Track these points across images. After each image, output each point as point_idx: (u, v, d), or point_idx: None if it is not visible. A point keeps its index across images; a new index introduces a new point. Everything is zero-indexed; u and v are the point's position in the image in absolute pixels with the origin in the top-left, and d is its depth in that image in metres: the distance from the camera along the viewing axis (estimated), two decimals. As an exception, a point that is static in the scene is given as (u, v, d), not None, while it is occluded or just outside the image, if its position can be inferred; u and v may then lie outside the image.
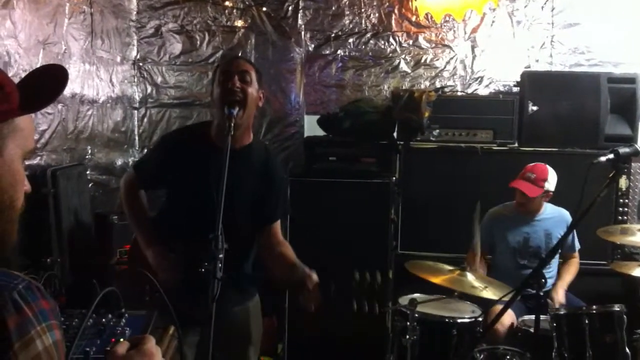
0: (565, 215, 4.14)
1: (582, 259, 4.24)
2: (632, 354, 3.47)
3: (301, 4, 5.36)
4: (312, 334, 4.15)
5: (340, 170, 4.51)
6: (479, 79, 5.27)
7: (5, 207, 1.14)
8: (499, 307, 3.08)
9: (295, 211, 3.75)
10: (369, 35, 5.35)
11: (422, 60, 5.32)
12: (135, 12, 5.37)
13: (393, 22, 5.32)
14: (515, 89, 4.86)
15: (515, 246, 4.16)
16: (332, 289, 2.58)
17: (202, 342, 2.65)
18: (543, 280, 2.99)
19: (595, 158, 2.92)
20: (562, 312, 3.51)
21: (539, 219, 4.17)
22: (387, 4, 5.31)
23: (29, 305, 1.04)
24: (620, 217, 4.40)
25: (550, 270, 4.08)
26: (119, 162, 5.16)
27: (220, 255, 2.15)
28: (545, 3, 5.15)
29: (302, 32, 5.40)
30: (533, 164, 4.11)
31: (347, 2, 5.34)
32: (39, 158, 3.91)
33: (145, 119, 5.47)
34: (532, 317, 3.31)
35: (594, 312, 3.48)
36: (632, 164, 4.48)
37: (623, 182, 4.40)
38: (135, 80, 5.42)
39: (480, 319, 3.56)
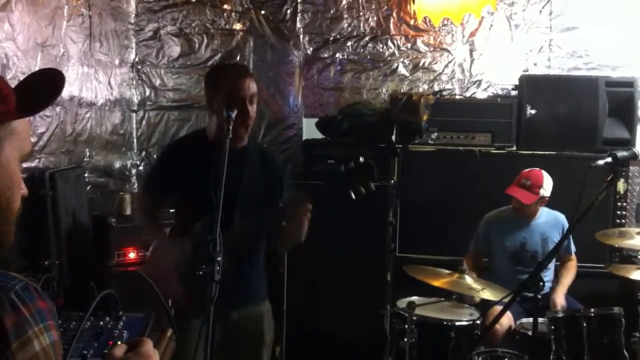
0: (561, 218, 4.15)
1: (580, 262, 4.24)
2: (630, 356, 3.48)
3: (300, 7, 5.37)
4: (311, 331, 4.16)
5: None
6: (477, 83, 5.27)
7: (2, 209, 1.14)
8: (497, 309, 3.09)
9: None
10: (367, 38, 5.35)
11: (421, 64, 5.33)
12: (133, 15, 5.37)
13: (391, 25, 5.33)
14: (514, 93, 4.86)
15: (512, 250, 4.16)
16: (328, 179, 2.59)
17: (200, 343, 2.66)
18: (541, 283, 3.00)
19: (593, 161, 2.93)
20: (560, 315, 3.52)
21: (535, 223, 4.17)
22: (386, 7, 5.32)
23: (27, 305, 1.05)
24: (618, 221, 4.40)
25: (547, 274, 4.08)
26: (117, 164, 5.16)
27: (219, 258, 2.15)
28: (543, 7, 5.16)
29: (301, 35, 5.40)
30: (529, 169, 4.10)
31: (345, 6, 5.35)
32: (37, 160, 3.91)
33: (144, 122, 5.47)
34: (530, 319, 3.31)
35: (592, 314, 3.49)
36: (630, 167, 4.47)
37: (621, 186, 4.40)
38: (134, 83, 5.42)
39: (478, 321, 3.56)
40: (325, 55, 5.41)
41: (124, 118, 5.28)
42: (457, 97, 5.17)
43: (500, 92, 5.21)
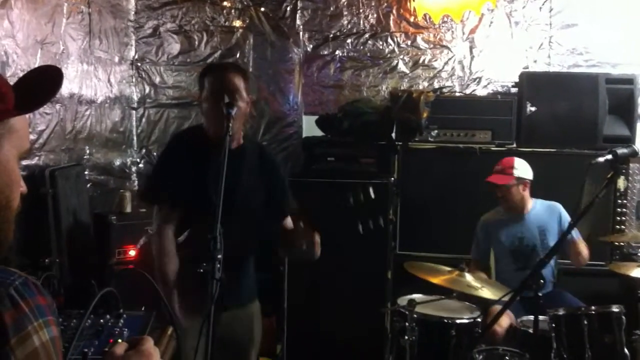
0: (557, 207, 4.12)
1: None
2: (631, 354, 3.48)
3: (299, 4, 5.36)
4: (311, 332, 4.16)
5: (339, 171, 4.51)
6: (477, 80, 5.27)
7: (1, 207, 1.14)
8: (498, 307, 3.09)
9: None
10: (367, 35, 5.35)
11: (421, 61, 5.32)
12: (133, 12, 5.37)
13: (391, 22, 5.32)
14: (514, 90, 4.86)
15: (510, 248, 4.15)
16: (350, 200, 2.60)
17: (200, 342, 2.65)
18: (542, 281, 2.99)
19: (593, 159, 2.92)
20: (561, 313, 3.51)
21: (529, 216, 4.15)
22: (386, 4, 5.31)
23: (26, 300, 1.05)
24: (618, 218, 4.40)
25: (548, 270, 4.07)
26: (117, 162, 5.16)
27: (219, 256, 2.14)
28: (543, 4, 5.16)
29: (301, 33, 5.40)
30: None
31: (345, 3, 5.34)
32: (37, 158, 3.91)
33: (144, 119, 5.47)
34: (531, 317, 3.31)
35: (593, 312, 3.48)
36: (630, 164, 4.47)
37: (621, 183, 4.39)
38: (134, 80, 5.42)
39: (479, 319, 3.56)
40: (325, 52, 5.40)
41: (124, 115, 5.28)
42: (457, 94, 5.16)
43: (500, 90, 5.21)
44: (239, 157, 2.72)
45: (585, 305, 3.70)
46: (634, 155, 3.06)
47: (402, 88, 5.19)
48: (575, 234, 4.14)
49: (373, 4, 5.33)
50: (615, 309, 3.51)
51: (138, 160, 5.43)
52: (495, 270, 4.28)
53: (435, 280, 3.41)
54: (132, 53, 5.39)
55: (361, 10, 5.34)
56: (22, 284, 1.07)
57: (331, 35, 5.38)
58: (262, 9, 5.39)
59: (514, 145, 4.58)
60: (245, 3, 5.40)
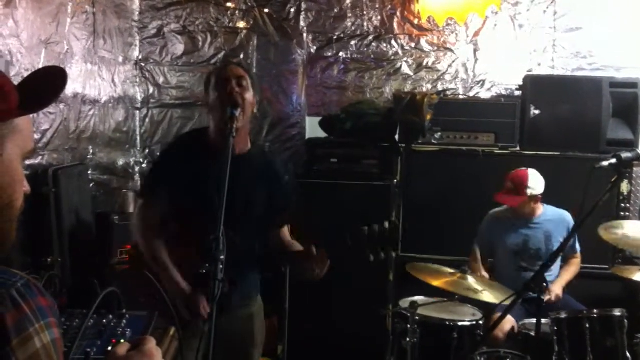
0: (566, 217, 4.13)
1: (583, 263, 4.23)
2: (633, 358, 3.47)
3: (303, 5, 5.37)
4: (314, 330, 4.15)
5: (342, 172, 4.51)
6: (481, 82, 5.26)
7: (4, 206, 1.14)
8: (500, 310, 3.09)
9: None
10: (371, 37, 5.35)
11: (424, 63, 5.32)
12: (137, 13, 5.38)
13: (395, 24, 5.32)
14: (517, 93, 4.86)
15: (514, 248, 4.16)
16: (348, 241, 2.59)
17: (202, 343, 2.66)
18: (544, 284, 2.99)
19: (597, 162, 2.92)
20: (563, 316, 3.51)
21: (538, 222, 4.16)
22: (390, 6, 5.31)
23: (28, 302, 1.04)
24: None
25: (551, 274, 4.07)
26: (121, 162, 5.16)
27: (222, 257, 2.14)
28: (547, 7, 5.15)
29: (305, 34, 5.40)
30: (514, 171, 4.08)
31: (349, 4, 5.34)
32: (40, 157, 3.91)
33: (147, 120, 5.48)
34: (533, 320, 3.31)
35: (595, 316, 3.48)
36: (634, 168, 4.46)
37: (625, 187, 4.39)
38: (137, 80, 5.43)
39: (480, 322, 3.56)
40: (329, 54, 5.40)
41: (128, 115, 5.28)
42: (461, 97, 5.16)
43: (504, 92, 5.21)
44: (244, 163, 2.70)
45: (588, 309, 3.70)
46: (638, 159, 3.06)
47: (405, 90, 5.19)
48: (578, 247, 4.16)
49: (377, 6, 5.33)
50: (617, 312, 3.51)
51: (141, 160, 5.43)
52: (496, 266, 4.28)
53: (437, 282, 3.41)
54: (136, 53, 5.40)
55: (365, 12, 5.34)
56: (23, 285, 1.06)
57: (335, 37, 5.38)
58: (266, 10, 5.40)
59: (518, 148, 4.58)
60: (249, 4, 5.40)
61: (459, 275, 3.48)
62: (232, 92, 2.62)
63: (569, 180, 4.08)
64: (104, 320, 1.78)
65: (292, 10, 5.38)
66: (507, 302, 3.02)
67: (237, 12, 5.43)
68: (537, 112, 4.50)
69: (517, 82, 4.87)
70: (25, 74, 1.23)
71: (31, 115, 1.21)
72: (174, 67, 5.47)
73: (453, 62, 5.29)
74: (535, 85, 4.61)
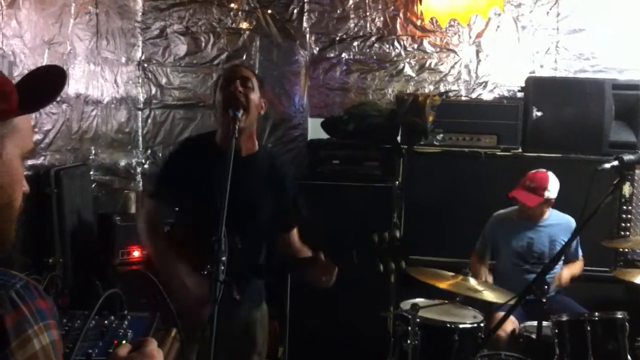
0: (571, 222, 4.12)
1: (585, 266, 4.23)
2: (634, 361, 3.47)
3: (306, 6, 5.37)
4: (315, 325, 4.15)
5: (344, 174, 4.51)
6: (484, 84, 5.26)
7: (3, 206, 1.14)
8: (501, 313, 3.08)
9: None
10: (373, 38, 5.35)
11: (427, 65, 5.32)
12: (140, 13, 5.38)
13: (398, 26, 5.32)
14: (520, 94, 4.86)
15: (518, 250, 4.16)
16: (355, 255, 2.58)
17: (204, 345, 2.66)
18: (546, 287, 2.99)
19: (599, 164, 2.91)
20: (564, 319, 3.51)
21: (543, 225, 4.17)
22: (392, 7, 5.31)
23: (27, 304, 1.04)
24: (623, 224, 4.39)
25: (553, 276, 4.07)
26: (123, 162, 5.17)
27: (223, 258, 2.15)
28: (550, 9, 5.15)
29: (307, 35, 5.40)
30: (534, 171, 4.09)
31: (352, 6, 5.35)
32: (42, 158, 3.91)
33: (150, 120, 5.48)
34: (534, 323, 3.31)
35: (596, 318, 3.48)
36: (636, 171, 4.46)
37: (627, 189, 4.39)
38: (140, 81, 5.43)
39: (482, 324, 3.56)
40: (332, 55, 5.40)
41: (130, 116, 5.29)
42: (463, 98, 5.16)
43: (506, 94, 5.21)
44: (250, 164, 2.71)
45: (589, 312, 3.69)
46: (640, 162, 3.05)
47: (408, 91, 5.19)
48: (580, 252, 4.16)
49: (380, 7, 5.33)
50: (619, 315, 3.50)
51: (143, 161, 5.43)
52: (498, 267, 4.28)
53: (438, 284, 3.40)
54: (138, 54, 5.41)
55: (368, 13, 5.34)
56: (23, 287, 1.06)
57: (338, 38, 5.38)
58: (269, 11, 5.40)
59: (520, 150, 4.58)
60: (252, 5, 5.40)
61: (461, 278, 3.48)
62: (235, 92, 2.62)
63: (570, 182, 4.07)
64: (106, 322, 1.78)
65: (295, 11, 5.38)
66: (509, 303, 3.02)
67: (239, 13, 5.43)
68: (539, 113, 4.50)
69: (519, 84, 4.88)
70: (28, 75, 1.22)
71: (32, 115, 1.21)
72: (177, 68, 5.47)
73: (455, 63, 5.29)
74: (537, 87, 4.61)
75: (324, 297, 4.31)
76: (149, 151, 5.46)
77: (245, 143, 2.70)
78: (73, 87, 4.34)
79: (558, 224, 4.15)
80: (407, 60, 5.33)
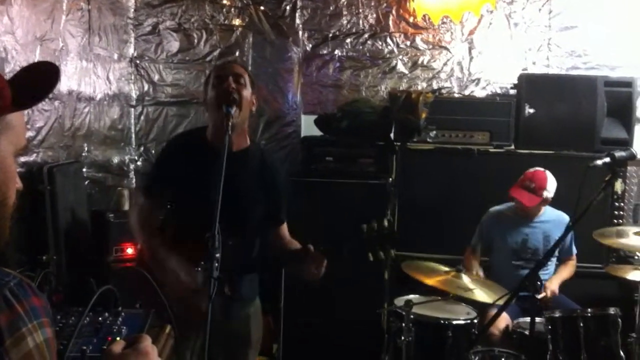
0: (565, 219, 4.12)
1: (578, 262, 4.25)
2: (626, 357, 3.49)
3: (299, 3, 5.36)
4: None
5: (337, 171, 4.51)
6: (476, 81, 5.27)
7: None
8: (495, 309, 3.10)
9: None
10: (366, 35, 5.35)
11: (420, 62, 5.32)
12: (132, 10, 5.36)
13: (391, 23, 5.32)
14: (512, 91, 4.87)
15: (513, 246, 4.18)
16: (346, 249, 2.59)
17: (198, 342, 2.66)
18: (539, 283, 3.00)
19: (591, 161, 2.93)
20: (557, 315, 3.52)
21: (538, 222, 4.19)
22: (385, 4, 5.31)
23: (20, 302, 1.04)
24: (615, 221, 4.40)
25: (547, 273, 4.09)
26: (116, 159, 5.16)
27: (217, 255, 2.14)
28: (542, 5, 5.16)
29: (300, 32, 5.39)
30: (533, 170, 4.10)
31: (345, 2, 5.34)
32: (35, 155, 3.91)
33: (142, 117, 5.46)
34: (527, 319, 3.31)
35: (589, 315, 3.50)
36: (628, 167, 4.48)
37: (618, 186, 4.41)
38: (133, 77, 5.41)
39: (475, 320, 3.57)
40: (325, 52, 5.40)
41: (123, 113, 5.27)
42: (456, 95, 5.17)
43: (499, 91, 5.22)
44: (241, 160, 2.71)
45: (582, 308, 3.71)
46: (632, 158, 3.07)
47: (401, 88, 5.19)
48: (574, 249, 4.18)
49: (373, 4, 5.33)
50: (611, 311, 3.52)
51: (136, 157, 5.42)
52: (492, 263, 4.29)
53: (432, 281, 3.40)
54: (131, 50, 5.39)
55: (361, 10, 5.34)
56: (16, 285, 1.06)
57: (330, 35, 5.37)
58: (262, 8, 5.39)
59: (512, 147, 4.59)
60: (244, 1, 5.39)
61: (453, 274, 3.48)
62: (228, 89, 2.63)
63: (563, 179, 4.08)
64: (100, 318, 1.78)
65: (288, 7, 5.38)
66: (502, 300, 3.03)
67: (232, 9, 5.42)
68: (531, 110, 4.51)
69: (512, 81, 4.89)
70: (20, 71, 1.22)
71: (25, 112, 1.20)
72: (169, 65, 5.45)
73: (448, 60, 5.30)
74: (530, 84, 4.62)
75: (318, 294, 4.34)
76: (142, 148, 5.44)
77: (237, 139, 2.70)
78: (65, 83, 4.33)
79: (552, 220, 4.17)
80: (400, 57, 5.34)
